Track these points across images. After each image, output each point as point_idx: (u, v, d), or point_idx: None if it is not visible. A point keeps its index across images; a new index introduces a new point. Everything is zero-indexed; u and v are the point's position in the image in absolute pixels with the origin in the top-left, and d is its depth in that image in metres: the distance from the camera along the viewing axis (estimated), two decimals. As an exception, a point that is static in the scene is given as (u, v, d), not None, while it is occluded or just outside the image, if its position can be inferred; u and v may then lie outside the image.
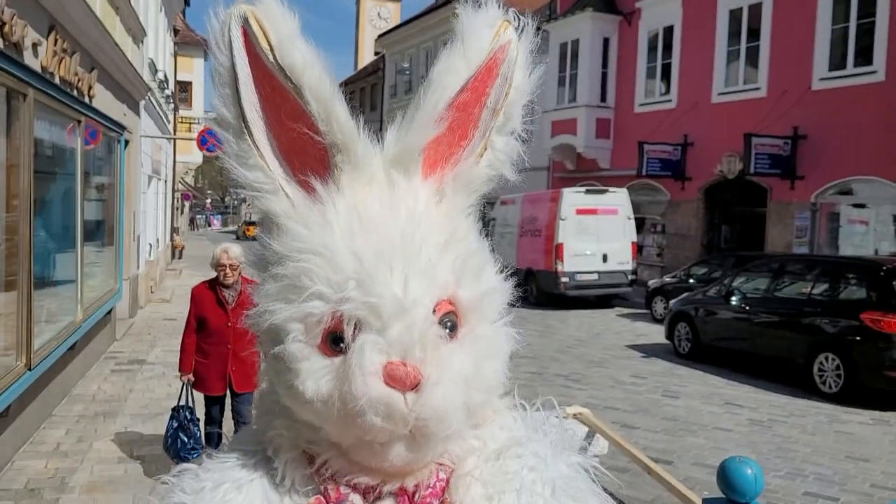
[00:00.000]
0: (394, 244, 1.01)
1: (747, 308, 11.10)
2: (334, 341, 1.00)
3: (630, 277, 18.58)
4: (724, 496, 2.14)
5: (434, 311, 1.01)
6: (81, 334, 8.51)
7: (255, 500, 1.06)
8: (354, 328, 0.99)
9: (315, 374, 1.00)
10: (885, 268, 9.70)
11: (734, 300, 11.22)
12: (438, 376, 0.97)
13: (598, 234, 18.12)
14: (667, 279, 17.16)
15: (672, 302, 13.56)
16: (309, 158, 1.07)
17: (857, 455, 7.24)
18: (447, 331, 1.02)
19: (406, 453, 1.01)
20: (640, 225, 20.42)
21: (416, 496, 1.05)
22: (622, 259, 18.39)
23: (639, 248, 19.61)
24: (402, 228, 1.03)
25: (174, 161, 27.55)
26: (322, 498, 1.04)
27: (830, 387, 9.51)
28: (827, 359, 9.60)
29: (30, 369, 6.30)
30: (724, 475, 2.17)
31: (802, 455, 7.20)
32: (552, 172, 24.76)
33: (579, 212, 18.11)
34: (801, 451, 7.34)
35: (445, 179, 1.10)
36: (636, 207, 19.50)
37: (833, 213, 16.67)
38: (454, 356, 1.00)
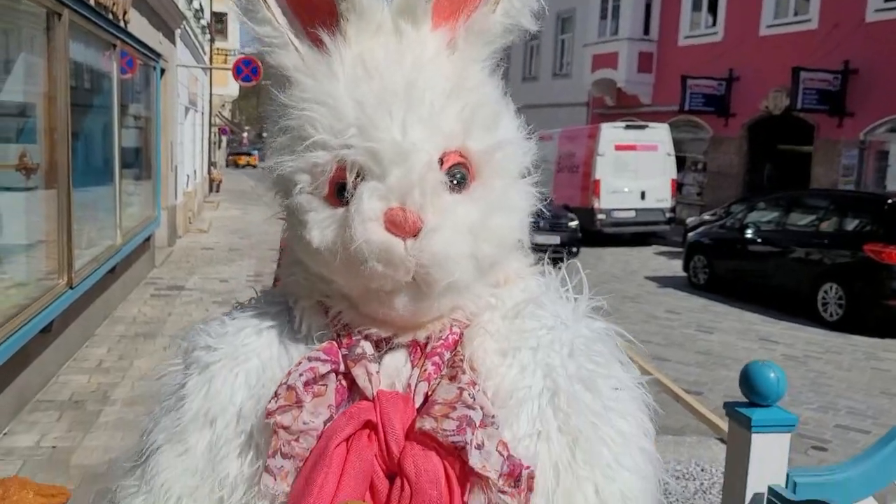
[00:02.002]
0: (396, 91, 0.99)
1: (759, 240, 11.43)
2: (340, 191, 1.00)
3: (668, 215, 18.28)
4: (746, 399, 2.12)
5: (442, 161, 0.99)
6: (121, 258, 8.69)
7: (273, 345, 1.09)
8: (357, 176, 0.98)
9: (320, 223, 1.00)
10: (889, 201, 10.00)
11: (748, 233, 11.51)
12: (438, 222, 0.95)
13: (636, 170, 17.78)
14: (706, 217, 16.88)
15: (689, 234, 13.76)
16: (317, 11, 1.05)
17: (893, 391, 7.15)
18: (455, 183, 1.00)
19: (411, 302, 1.01)
20: (681, 163, 20.00)
21: (428, 348, 1.06)
22: (661, 196, 18.07)
23: (679, 187, 19.25)
24: (406, 76, 1.00)
25: (210, 93, 27.61)
26: (334, 343, 1.06)
27: (831, 315, 9.89)
28: (831, 288, 9.94)
29: (71, 288, 6.46)
30: (747, 377, 2.15)
31: (836, 390, 7.13)
32: (591, 108, 24.30)
33: (618, 148, 17.75)
34: (835, 386, 7.28)
35: (458, 30, 1.06)
36: (677, 145, 19.04)
37: (882, 152, 16.12)
38: (459, 206, 0.99)
